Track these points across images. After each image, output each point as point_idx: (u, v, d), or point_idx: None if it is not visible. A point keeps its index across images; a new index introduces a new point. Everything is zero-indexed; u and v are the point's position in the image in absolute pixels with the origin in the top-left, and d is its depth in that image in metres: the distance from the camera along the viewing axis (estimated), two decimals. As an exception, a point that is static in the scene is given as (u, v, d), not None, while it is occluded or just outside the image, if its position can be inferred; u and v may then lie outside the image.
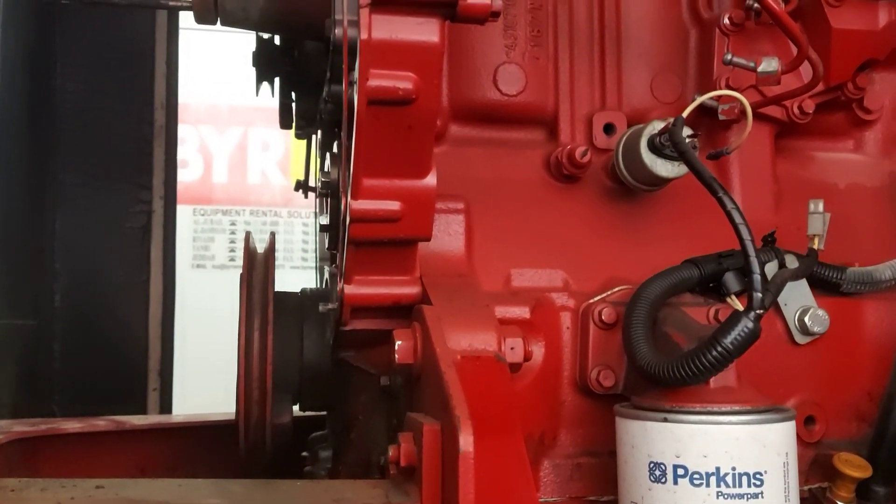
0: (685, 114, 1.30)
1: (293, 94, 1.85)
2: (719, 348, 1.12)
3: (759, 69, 1.33)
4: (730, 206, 1.16)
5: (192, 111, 4.86)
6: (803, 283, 1.41)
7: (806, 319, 1.41)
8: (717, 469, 1.11)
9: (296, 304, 1.62)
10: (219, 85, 4.84)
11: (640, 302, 1.29)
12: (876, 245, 1.57)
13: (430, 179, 1.20)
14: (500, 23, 1.54)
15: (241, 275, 1.59)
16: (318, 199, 1.88)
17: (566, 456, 1.38)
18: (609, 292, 1.39)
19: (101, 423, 2.06)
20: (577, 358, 1.38)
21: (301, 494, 1.18)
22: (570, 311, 1.39)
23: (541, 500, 1.34)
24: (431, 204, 1.22)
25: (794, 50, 1.34)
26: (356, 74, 1.08)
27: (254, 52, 1.77)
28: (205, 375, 3.71)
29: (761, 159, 1.58)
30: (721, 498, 1.11)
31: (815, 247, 1.39)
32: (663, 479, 1.13)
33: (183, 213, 4.14)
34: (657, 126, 1.36)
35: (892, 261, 1.47)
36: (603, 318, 1.36)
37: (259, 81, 1.78)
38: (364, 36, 1.05)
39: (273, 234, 1.75)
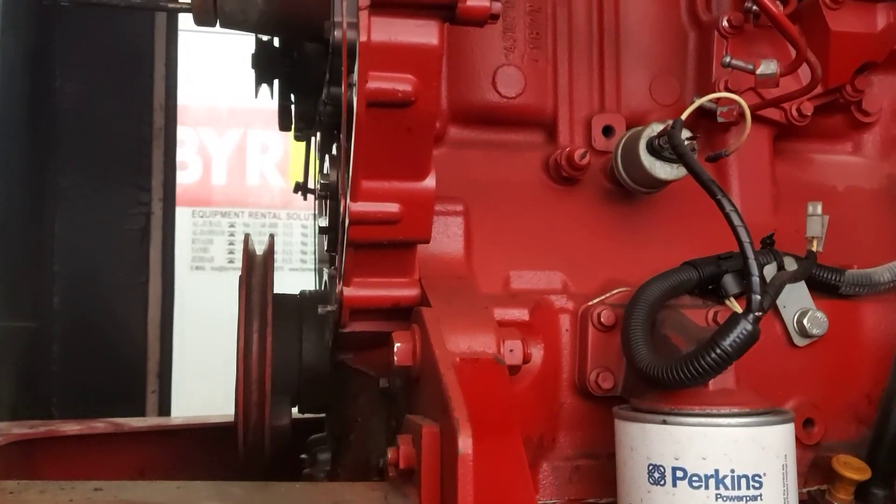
0: (684, 116, 1.30)
1: (292, 96, 1.85)
2: (718, 350, 1.12)
3: (758, 72, 1.33)
4: (728, 208, 1.16)
5: (192, 113, 4.87)
6: (802, 285, 1.41)
7: (805, 321, 1.41)
8: (716, 471, 1.11)
9: (295, 306, 1.62)
10: (218, 87, 4.85)
11: (639, 304, 1.29)
12: (874, 247, 1.56)
13: (430, 181, 1.20)
14: (499, 25, 1.54)
15: (240, 277, 1.59)
16: (317, 201, 1.88)
17: (565, 458, 1.38)
18: (608, 294, 1.39)
19: (100, 425, 2.06)
20: (576, 360, 1.38)
21: (300, 497, 1.18)
22: (569, 314, 1.39)
23: (539, 502, 1.34)
24: (430, 206, 1.22)
25: (793, 52, 1.34)
26: (355, 76, 1.08)
27: (253, 54, 1.77)
28: (204, 377, 3.72)
29: (760, 161, 1.58)
30: (720, 500, 1.11)
31: (814, 249, 1.39)
32: (662, 482, 1.13)
33: (182, 214, 4.15)
34: (656, 128, 1.36)
35: (891, 263, 1.47)
36: (602, 320, 1.36)
37: (258, 83, 1.78)
38: (363, 38, 1.05)
39: (272, 236, 1.75)
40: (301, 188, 2.07)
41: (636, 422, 1.18)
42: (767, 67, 1.33)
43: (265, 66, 1.77)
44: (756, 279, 1.14)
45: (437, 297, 1.29)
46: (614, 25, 1.59)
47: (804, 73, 1.44)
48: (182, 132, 4.01)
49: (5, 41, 2.97)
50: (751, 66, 1.36)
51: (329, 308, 1.43)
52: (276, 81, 1.81)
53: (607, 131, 1.55)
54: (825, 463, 1.39)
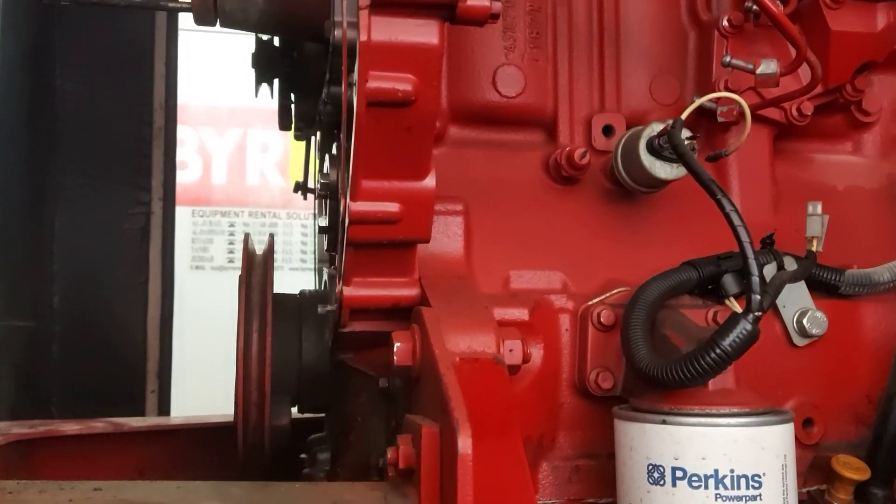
0: (684, 116, 1.30)
1: (292, 96, 1.85)
2: (718, 350, 1.12)
3: (758, 71, 1.33)
4: (728, 208, 1.16)
5: (192, 112, 4.87)
6: (802, 285, 1.41)
7: (804, 321, 1.41)
8: (716, 471, 1.11)
9: (295, 306, 1.62)
10: (218, 86, 4.85)
11: (639, 304, 1.29)
12: (874, 247, 1.56)
13: (430, 181, 1.20)
14: (499, 25, 1.54)
15: (240, 276, 1.59)
16: (317, 201, 1.88)
17: (565, 458, 1.38)
18: (608, 294, 1.39)
19: (100, 425, 2.06)
20: (576, 360, 1.38)
21: (300, 496, 1.18)
22: (569, 313, 1.39)
23: (539, 502, 1.34)
24: (430, 206, 1.22)
25: (793, 52, 1.34)
26: (355, 76, 1.08)
27: (253, 54, 1.77)
28: (203, 377, 3.72)
29: (760, 161, 1.58)
30: (719, 500, 1.11)
31: (814, 249, 1.39)
32: (662, 482, 1.13)
33: (182, 214, 4.15)
34: (656, 128, 1.36)
35: (891, 263, 1.47)
36: (602, 319, 1.36)
37: (258, 83, 1.77)
38: (363, 37, 1.05)
39: (272, 236, 1.75)
40: (301, 188, 2.07)
41: (636, 422, 1.18)
42: (767, 67, 1.33)
43: (265, 65, 1.77)
44: (756, 279, 1.14)
45: (437, 297, 1.29)
46: (614, 25, 1.59)
47: (804, 72, 1.44)
48: (182, 132, 4.00)
49: (5, 41, 2.97)
50: (751, 66, 1.35)
51: (329, 308, 1.43)
52: (276, 81, 1.81)
53: (607, 131, 1.55)
54: (825, 463, 1.39)
